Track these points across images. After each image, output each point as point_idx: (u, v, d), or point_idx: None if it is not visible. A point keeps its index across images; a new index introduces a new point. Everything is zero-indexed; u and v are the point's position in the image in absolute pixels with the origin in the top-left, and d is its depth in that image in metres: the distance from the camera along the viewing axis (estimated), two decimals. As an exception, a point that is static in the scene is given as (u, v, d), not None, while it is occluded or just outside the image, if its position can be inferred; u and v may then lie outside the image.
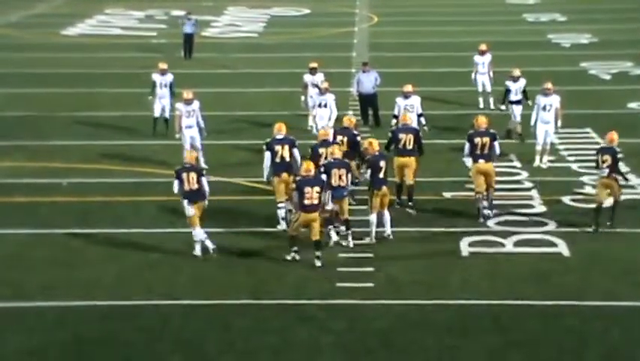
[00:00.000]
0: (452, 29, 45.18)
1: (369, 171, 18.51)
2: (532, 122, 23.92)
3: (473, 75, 29.41)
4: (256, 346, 14.41)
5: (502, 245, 18.37)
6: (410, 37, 43.02)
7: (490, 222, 19.51)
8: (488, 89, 29.20)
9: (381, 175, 18.46)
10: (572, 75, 34.08)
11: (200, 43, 39.91)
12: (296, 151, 19.08)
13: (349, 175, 18.22)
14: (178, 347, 14.42)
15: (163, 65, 26.33)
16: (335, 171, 17.95)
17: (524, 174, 22.58)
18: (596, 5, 52.56)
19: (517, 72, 25.95)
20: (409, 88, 23.75)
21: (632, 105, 29.60)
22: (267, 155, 18.97)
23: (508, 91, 25.59)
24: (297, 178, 17.67)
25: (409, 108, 23.12)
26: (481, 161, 19.70)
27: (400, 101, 23.52)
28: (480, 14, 50.37)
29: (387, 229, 18.66)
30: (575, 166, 23.43)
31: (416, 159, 20.23)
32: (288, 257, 17.59)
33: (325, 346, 14.39)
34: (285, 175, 18.84)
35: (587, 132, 26.42)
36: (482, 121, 19.99)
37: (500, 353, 14.19)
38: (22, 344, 14.56)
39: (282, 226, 18.93)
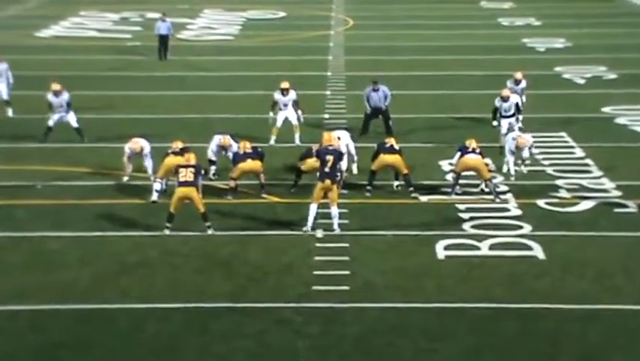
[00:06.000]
0: (427, 33, 45.31)
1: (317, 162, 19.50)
2: (494, 123, 24.97)
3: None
4: (232, 350, 14.38)
5: (478, 248, 18.42)
6: (386, 41, 43.11)
7: (466, 226, 19.57)
8: None
9: (326, 169, 18.88)
10: (547, 79, 34.25)
11: (175, 46, 39.85)
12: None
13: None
14: (154, 351, 14.36)
15: (56, 86, 25.91)
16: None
17: (500, 178, 22.63)
18: (571, 10, 52.87)
19: (519, 75, 27.24)
20: (285, 85, 25.69)
21: (606, 109, 29.77)
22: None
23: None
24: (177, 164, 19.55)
25: (288, 102, 25.40)
26: (471, 155, 20.93)
27: (277, 96, 25.50)
28: (455, 18, 50.53)
29: (334, 224, 19.02)
30: (549, 170, 23.53)
31: (401, 156, 21.37)
32: (167, 231, 18.97)
33: (301, 350, 14.38)
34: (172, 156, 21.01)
35: (562, 136, 26.55)
36: (471, 141, 21.43)
37: (476, 356, 14.22)
38: (-4, 348, 14.48)
39: (154, 196, 20.93)
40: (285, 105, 25.58)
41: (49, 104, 25.85)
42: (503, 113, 25.00)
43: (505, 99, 25.09)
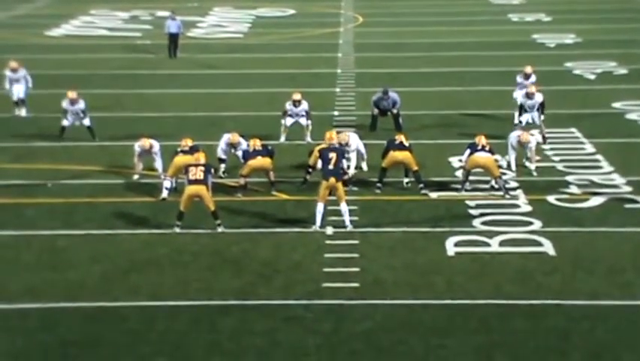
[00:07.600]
0: (437, 29, 45.26)
1: (319, 161, 19.44)
2: (517, 120, 25.08)
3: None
4: (242, 347, 14.38)
5: (488, 245, 18.39)
6: (395, 38, 43.07)
7: (476, 222, 19.54)
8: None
9: (330, 166, 18.94)
10: (557, 75, 34.17)
11: (185, 44, 39.90)
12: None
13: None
14: (163, 349, 14.38)
15: (72, 94, 25.63)
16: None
17: (510, 174, 22.60)
18: (581, 5, 52.75)
19: (529, 69, 27.09)
20: (297, 96, 25.21)
21: (617, 105, 29.69)
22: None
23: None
24: (187, 163, 19.75)
25: (300, 113, 25.10)
26: (480, 153, 20.88)
27: (288, 106, 25.16)
28: (465, 14, 50.47)
29: (345, 220, 19.09)
30: (560, 166, 23.49)
31: (411, 152, 21.30)
32: (177, 229, 18.99)
33: (311, 347, 14.37)
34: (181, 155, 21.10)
35: (572, 132, 26.48)
36: (480, 138, 21.30)
37: (486, 352, 14.20)
38: (6, 347, 14.47)
39: (164, 194, 20.94)
40: (297, 115, 25.31)
41: (64, 110, 25.70)
42: (528, 111, 25.03)
43: (530, 96, 24.99)
